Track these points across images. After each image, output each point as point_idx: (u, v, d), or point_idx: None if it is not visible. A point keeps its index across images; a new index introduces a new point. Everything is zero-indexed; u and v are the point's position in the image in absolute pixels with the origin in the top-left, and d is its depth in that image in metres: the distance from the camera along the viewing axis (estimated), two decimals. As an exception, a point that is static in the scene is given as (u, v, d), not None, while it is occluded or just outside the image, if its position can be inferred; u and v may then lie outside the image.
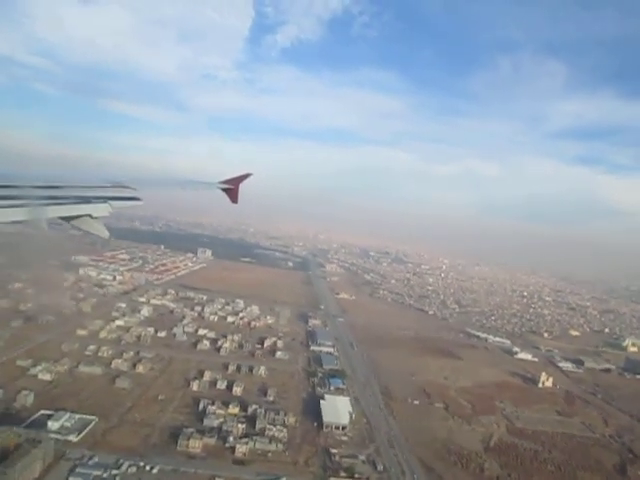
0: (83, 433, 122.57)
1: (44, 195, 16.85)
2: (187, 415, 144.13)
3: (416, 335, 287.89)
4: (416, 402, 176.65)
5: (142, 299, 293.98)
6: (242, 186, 35.07)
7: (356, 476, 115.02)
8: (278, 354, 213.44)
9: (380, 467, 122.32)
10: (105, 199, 19.74)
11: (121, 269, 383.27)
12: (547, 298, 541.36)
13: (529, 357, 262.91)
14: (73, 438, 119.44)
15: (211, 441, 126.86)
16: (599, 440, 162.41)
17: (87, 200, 18.77)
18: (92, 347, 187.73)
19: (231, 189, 33.94)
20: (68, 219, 17.65)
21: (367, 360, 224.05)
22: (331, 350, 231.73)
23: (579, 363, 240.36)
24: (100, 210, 18.90)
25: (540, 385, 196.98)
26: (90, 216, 18.17)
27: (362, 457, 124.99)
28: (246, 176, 34.90)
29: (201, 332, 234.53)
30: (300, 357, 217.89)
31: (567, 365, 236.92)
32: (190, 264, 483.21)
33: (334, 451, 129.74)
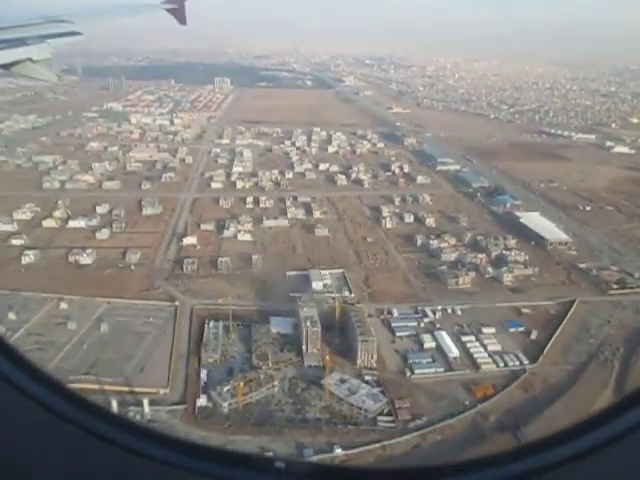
0: (349, 286, 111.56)
1: None
2: (415, 253, 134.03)
3: (507, 141, 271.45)
4: (587, 208, 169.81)
5: (224, 141, 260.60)
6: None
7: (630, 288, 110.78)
8: (419, 179, 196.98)
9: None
10: (42, 38, 17.55)
11: (165, 112, 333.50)
12: (573, 87, 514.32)
13: (625, 150, 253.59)
14: (347, 293, 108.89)
15: (471, 275, 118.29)
16: None
17: (23, 42, 16.45)
18: (249, 199, 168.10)
19: (176, 9, 31.70)
20: (6, 67, 15.60)
21: (499, 173, 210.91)
22: (457, 167, 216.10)
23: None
24: (40, 52, 16.61)
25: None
26: (31, 60, 15.99)
27: (615, 268, 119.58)
28: None
29: (322, 167, 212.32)
30: (438, 179, 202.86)
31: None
32: (220, 97, 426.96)
33: (582, 266, 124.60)
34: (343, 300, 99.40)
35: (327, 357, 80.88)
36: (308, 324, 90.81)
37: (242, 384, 77.06)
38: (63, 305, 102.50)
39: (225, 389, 78.84)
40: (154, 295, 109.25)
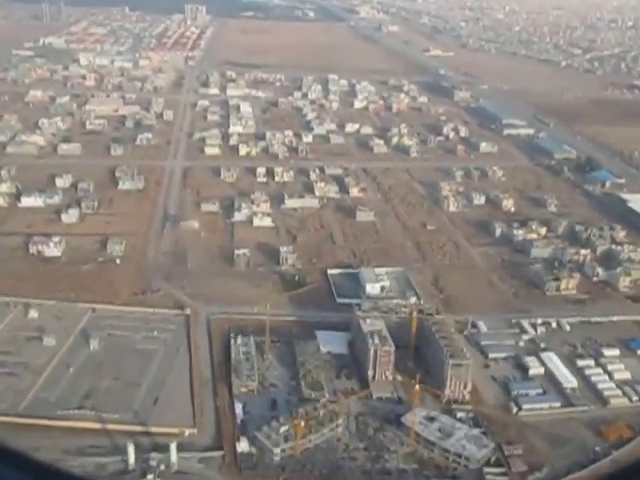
0: (415, 290, 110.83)
1: None
2: (494, 246, 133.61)
3: (588, 98, 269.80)
4: None
5: (212, 91, 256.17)
6: None
7: None
8: (483, 146, 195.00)
9: None
10: None
11: (124, 50, 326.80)
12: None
13: None
14: (414, 300, 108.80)
15: (575, 277, 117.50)
16: None
17: None
18: (260, 170, 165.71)
19: None
20: None
21: (586, 140, 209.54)
22: (530, 131, 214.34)
23: None
24: None
25: None
26: None
27: None
28: None
29: (350, 127, 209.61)
30: (507, 147, 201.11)
31: None
32: (194, 30, 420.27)
33: None
34: (418, 310, 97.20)
35: (417, 386, 79.10)
36: (376, 341, 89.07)
37: (299, 423, 75.18)
38: (33, 313, 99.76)
39: (275, 430, 76.96)
40: (154, 300, 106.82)
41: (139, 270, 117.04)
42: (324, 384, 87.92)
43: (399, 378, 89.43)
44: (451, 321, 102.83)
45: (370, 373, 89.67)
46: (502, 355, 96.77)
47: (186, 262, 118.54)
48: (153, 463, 72.15)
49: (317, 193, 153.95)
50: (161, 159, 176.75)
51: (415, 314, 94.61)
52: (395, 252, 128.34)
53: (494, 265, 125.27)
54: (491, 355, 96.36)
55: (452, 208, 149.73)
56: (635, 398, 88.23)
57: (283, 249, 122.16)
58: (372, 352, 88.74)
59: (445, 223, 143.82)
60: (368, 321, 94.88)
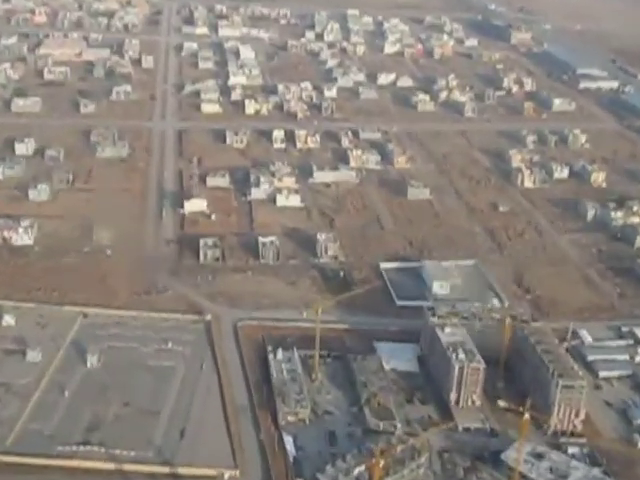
0: (494, 290, 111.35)
1: None
2: (587, 232, 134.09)
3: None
4: None
5: (199, 30, 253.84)
6: None
7: None
8: (556, 103, 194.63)
9: None
10: None
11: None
12: None
13: None
14: (496, 302, 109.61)
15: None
16: None
17: None
18: (277, 134, 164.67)
19: None
20: None
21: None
22: (614, 84, 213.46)
23: None
24: None
25: None
26: None
27: None
28: None
29: (383, 78, 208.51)
30: (587, 104, 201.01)
31: None
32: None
33: None
34: (510, 316, 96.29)
35: (526, 414, 77.83)
36: (461, 356, 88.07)
37: (377, 462, 74.09)
38: (8, 319, 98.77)
39: (343, 471, 75.99)
40: (161, 302, 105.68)
41: (137, 263, 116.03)
42: (394, 411, 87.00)
43: (502, 404, 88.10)
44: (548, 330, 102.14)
45: (453, 397, 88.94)
46: (615, 373, 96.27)
47: (197, 253, 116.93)
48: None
49: (353, 163, 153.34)
50: (146, 119, 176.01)
51: (509, 321, 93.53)
52: (462, 240, 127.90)
53: (589, 257, 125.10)
54: (602, 374, 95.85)
55: (527, 183, 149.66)
56: None
57: (321, 236, 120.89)
58: (457, 370, 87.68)
59: (520, 203, 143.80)
60: (447, 330, 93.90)
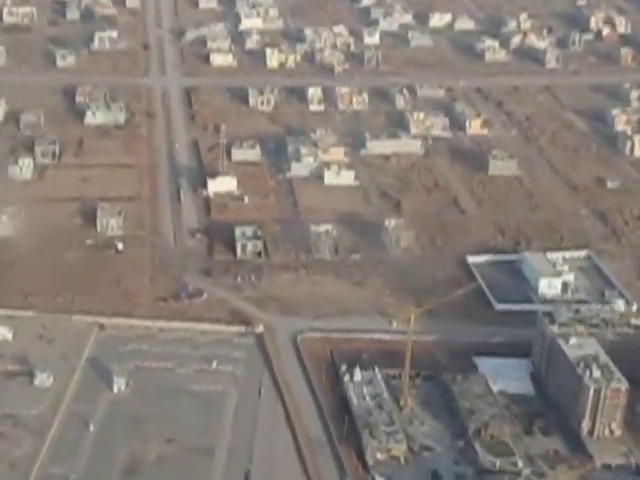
0: (617, 289, 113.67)
1: None
2: None
3: None
4: None
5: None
6: None
7: None
8: None
9: None
10: None
11: None
12: None
13: None
14: (622, 304, 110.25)
15: None
16: None
17: None
18: (312, 92, 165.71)
19: None
20: None
21: None
22: None
23: None
24: None
25: None
26: None
27: None
28: None
29: (436, 20, 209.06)
30: None
31: None
32: None
33: None
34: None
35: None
36: (596, 375, 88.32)
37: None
38: (4, 331, 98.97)
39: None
40: (194, 309, 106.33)
41: (158, 260, 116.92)
42: (511, 445, 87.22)
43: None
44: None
45: (586, 426, 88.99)
46: None
47: (233, 246, 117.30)
48: None
49: (414, 130, 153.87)
50: (141, 74, 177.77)
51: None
52: (566, 226, 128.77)
53: None
54: None
55: (639, 152, 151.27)
56: None
57: (390, 223, 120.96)
58: (591, 392, 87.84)
59: (632, 176, 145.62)
60: (573, 341, 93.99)
